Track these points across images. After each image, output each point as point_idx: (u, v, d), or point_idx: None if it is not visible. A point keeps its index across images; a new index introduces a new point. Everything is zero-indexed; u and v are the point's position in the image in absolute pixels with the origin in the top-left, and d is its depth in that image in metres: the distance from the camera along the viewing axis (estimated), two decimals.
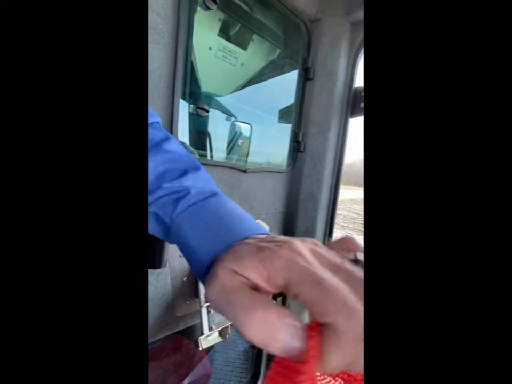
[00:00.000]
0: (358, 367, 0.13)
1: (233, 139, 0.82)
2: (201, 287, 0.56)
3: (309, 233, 0.83)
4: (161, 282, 0.55)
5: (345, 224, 7.71)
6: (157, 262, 0.48)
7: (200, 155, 0.71)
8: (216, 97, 0.79)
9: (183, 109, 0.62)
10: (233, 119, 0.83)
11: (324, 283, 0.13)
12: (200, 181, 0.25)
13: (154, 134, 0.28)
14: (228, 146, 0.82)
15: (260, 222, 0.75)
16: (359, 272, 0.15)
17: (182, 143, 0.67)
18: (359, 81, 0.77)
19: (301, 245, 0.16)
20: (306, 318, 0.14)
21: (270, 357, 0.88)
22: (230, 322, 0.59)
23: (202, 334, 0.54)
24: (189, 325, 0.62)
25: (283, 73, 0.84)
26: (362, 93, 0.74)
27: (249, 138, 0.83)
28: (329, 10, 0.73)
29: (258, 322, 0.13)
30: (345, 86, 0.77)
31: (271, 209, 0.81)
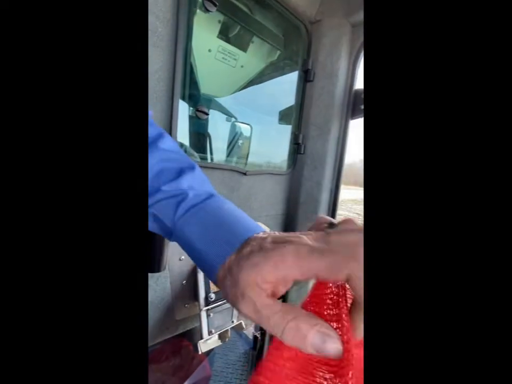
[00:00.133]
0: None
1: (234, 139, 0.82)
2: (201, 290, 0.56)
3: None
4: (160, 285, 0.55)
5: None
6: (156, 266, 0.48)
7: (201, 157, 0.71)
8: (216, 99, 0.79)
9: (183, 111, 0.62)
10: (233, 119, 0.83)
11: (326, 249, 0.16)
12: (196, 182, 0.26)
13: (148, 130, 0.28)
14: (228, 147, 0.82)
15: (260, 224, 0.74)
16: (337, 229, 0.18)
17: (182, 145, 0.67)
18: (359, 83, 0.76)
19: (295, 236, 0.18)
20: (309, 286, 0.18)
21: None
22: (230, 326, 0.59)
23: (201, 338, 0.54)
24: (188, 328, 0.62)
25: (283, 74, 0.84)
26: (363, 94, 0.73)
27: (250, 138, 0.83)
28: (329, 12, 0.72)
29: (292, 332, 0.15)
30: (345, 88, 0.77)
31: (271, 212, 0.81)
